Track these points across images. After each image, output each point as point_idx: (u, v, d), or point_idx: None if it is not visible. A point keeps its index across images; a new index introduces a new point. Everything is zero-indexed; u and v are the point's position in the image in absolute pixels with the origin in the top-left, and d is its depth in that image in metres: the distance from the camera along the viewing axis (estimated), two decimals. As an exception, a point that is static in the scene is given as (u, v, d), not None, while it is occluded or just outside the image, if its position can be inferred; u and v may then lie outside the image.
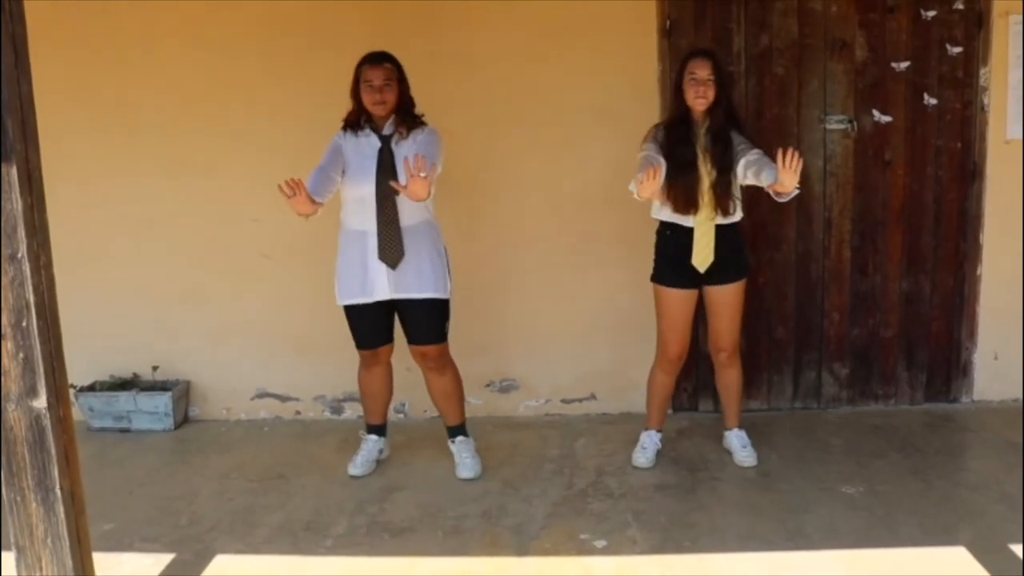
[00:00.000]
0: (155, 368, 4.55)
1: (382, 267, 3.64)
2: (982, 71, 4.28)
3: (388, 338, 3.84)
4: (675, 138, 3.60)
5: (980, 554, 3.07)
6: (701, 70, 3.55)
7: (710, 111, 3.59)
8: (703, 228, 3.63)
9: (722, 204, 3.60)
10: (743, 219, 3.76)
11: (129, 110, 4.41)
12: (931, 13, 4.25)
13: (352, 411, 4.58)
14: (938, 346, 4.51)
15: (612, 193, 4.12)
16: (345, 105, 4.40)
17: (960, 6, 4.25)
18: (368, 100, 3.62)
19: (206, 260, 4.52)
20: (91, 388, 4.51)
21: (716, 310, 3.78)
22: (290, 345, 4.56)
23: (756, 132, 4.32)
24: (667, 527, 3.35)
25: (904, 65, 4.29)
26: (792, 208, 4.36)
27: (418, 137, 3.63)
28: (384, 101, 3.60)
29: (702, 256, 3.64)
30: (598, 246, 4.36)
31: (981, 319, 4.47)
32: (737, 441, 3.92)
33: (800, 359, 4.51)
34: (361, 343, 3.84)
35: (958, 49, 4.28)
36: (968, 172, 4.37)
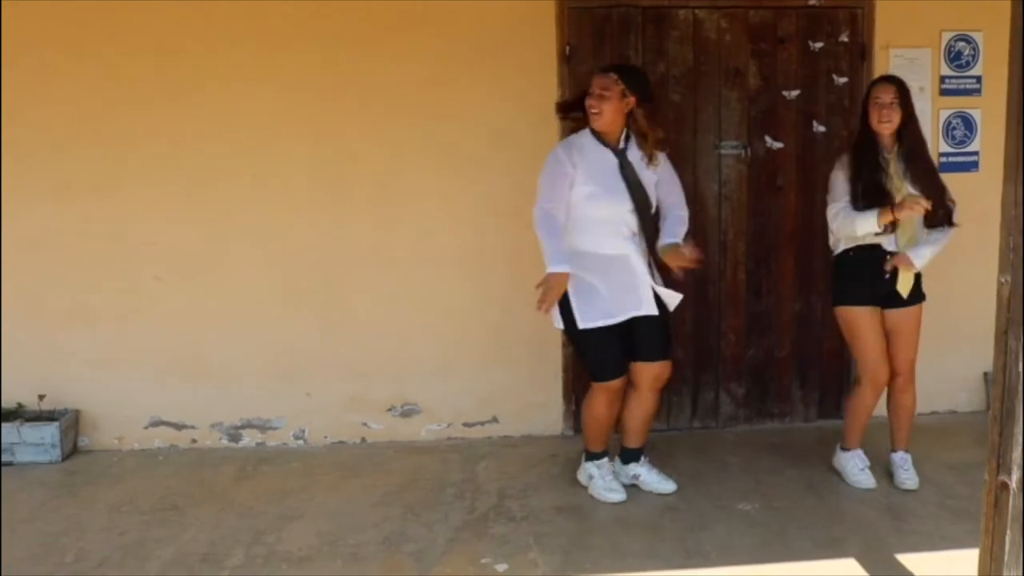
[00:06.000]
0: (41, 397, 4.36)
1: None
2: (866, 100, 4.47)
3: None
4: (863, 162, 3.68)
5: (868, 565, 3.17)
6: (885, 94, 3.64)
7: (898, 134, 3.67)
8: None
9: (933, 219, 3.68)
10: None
11: (13, 126, 4.24)
12: (819, 45, 4.43)
13: (250, 438, 4.48)
14: (829, 365, 4.66)
15: (510, 216, 4.16)
16: (244, 127, 4.37)
17: (845, 39, 4.45)
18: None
19: (96, 283, 4.37)
20: (-29, 419, 4.30)
21: (897, 332, 3.77)
22: (185, 371, 4.44)
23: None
24: (568, 549, 3.35)
25: (794, 93, 4.45)
26: (689, 232, 4.44)
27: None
28: (598, 111, 3.57)
29: (905, 280, 3.70)
30: (498, 268, 4.38)
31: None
32: (901, 464, 3.86)
33: (698, 380, 4.60)
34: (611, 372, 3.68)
35: (844, 79, 4.47)
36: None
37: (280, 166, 4.35)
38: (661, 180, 3.71)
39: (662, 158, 3.72)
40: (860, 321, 3.76)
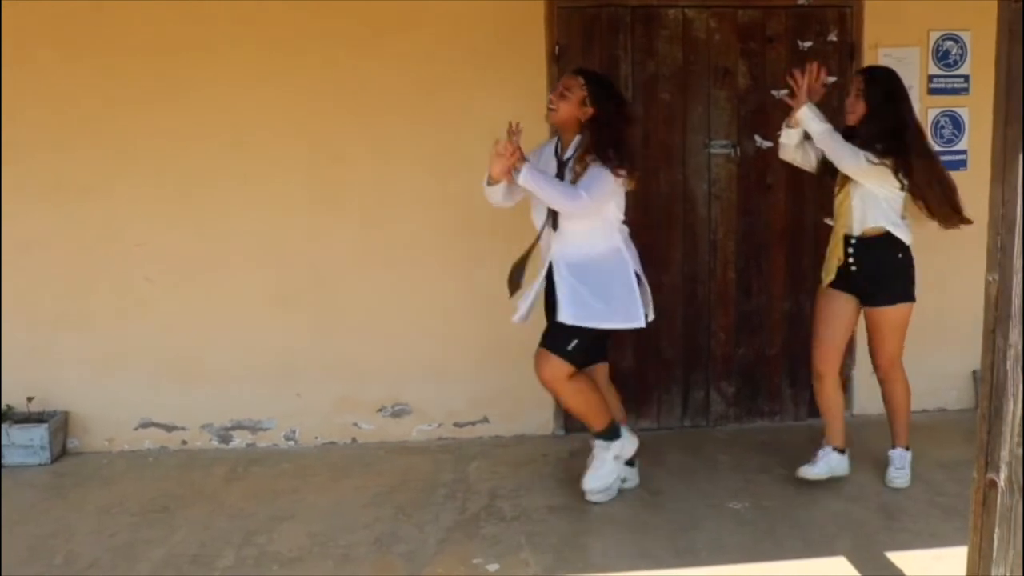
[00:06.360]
0: (30, 399, 4.34)
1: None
2: (855, 99, 4.48)
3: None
4: None
5: (858, 563, 3.18)
6: (853, 85, 3.65)
7: (862, 125, 3.61)
8: (835, 239, 3.71)
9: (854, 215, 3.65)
10: (901, 242, 3.65)
11: (7, 126, 4.22)
12: (807, 44, 4.44)
13: (240, 439, 4.47)
14: (819, 363, 4.66)
15: (502, 217, 4.14)
16: (238, 128, 4.35)
17: (833, 38, 4.46)
18: None
19: (86, 284, 4.35)
20: (-41, 422, 4.28)
21: (870, 330, 3.78)
22: (175, 372, 4.43)
23: (643, 157, 4.42)
24: (559, 548, 3.35)
25: (783, 93, 4.43)
26: (679, 231, 4.48)
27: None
28: (555, 107, 3.53)
29: (827, 266, 3.73)
30: (488, 268, 4.36)
31: (858, 337, 4.61)
32: (893, 460, 3.83)
33: (688, 378, 4.60)
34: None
35: (833, 79, 4.45)
36: (844, 196, 4.55)
37: (274, 167, 4.34)
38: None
39: (592, 172, 3.46)
40: (817, 302, 3.85)
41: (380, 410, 4.50)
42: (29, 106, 4.23)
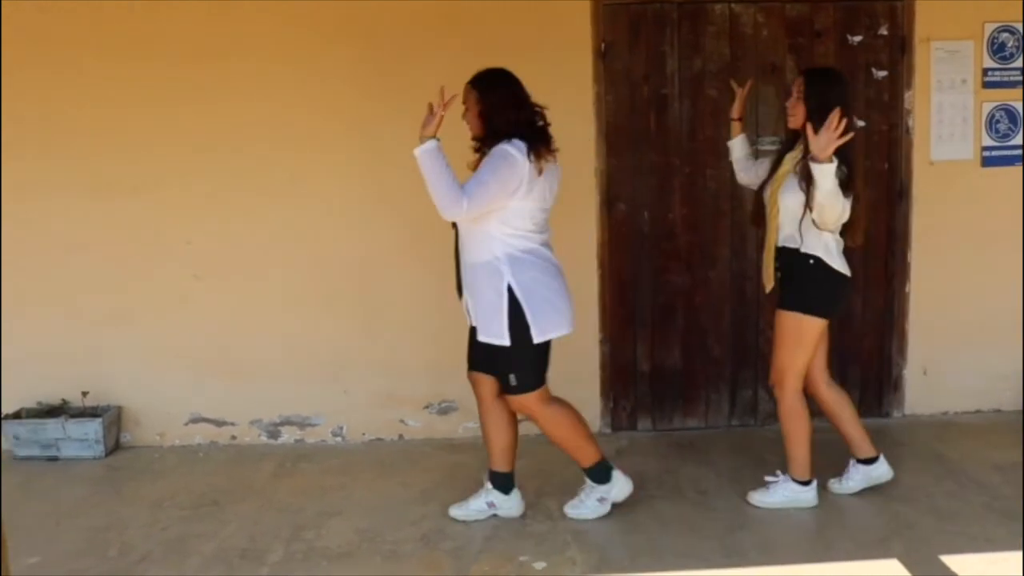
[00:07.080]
0: (85, 394, 4.43)
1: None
2: (906, 94, 4.41)
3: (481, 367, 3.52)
4: (778, 153, 3.59)
5: (912, 565, 3.13)
6: (794, 87, 3.40)
7: (804, 131, 3.24)
8: (767, 248, 3.50)
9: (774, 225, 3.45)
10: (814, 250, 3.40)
11: (53, 128, 4.32)
12: (857, 38, 4.38)
13: (288, 435, 4.51)
14: (870, 362, 4.60)
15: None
16: (286, 127, 4.39)
17: (884, 32, 4.39)
18: None
19: (137, 282, 4.43)
20: (16, 416, 4.37)
21: None
22: (225, 368, 4.48)
23: (690, 153, 4.40)
24: (606, 547, 3.35)
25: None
26: (727, 227, 4.43)
27: None
28: (467, 123, 3.41)
29: (765, 275, 3.51)
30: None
31: (910, 335, 4.57)
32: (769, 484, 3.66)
33: (736, 377, 4.56)
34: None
35: (883, 73, 4.41)
36: (895, 192, 4.48)
37: (321, 166, 4.38)
38: None
39: (485, 163, 3.32)
40: None
41: (427, 407, 4.52)
42: (74, 107, 4.31)
